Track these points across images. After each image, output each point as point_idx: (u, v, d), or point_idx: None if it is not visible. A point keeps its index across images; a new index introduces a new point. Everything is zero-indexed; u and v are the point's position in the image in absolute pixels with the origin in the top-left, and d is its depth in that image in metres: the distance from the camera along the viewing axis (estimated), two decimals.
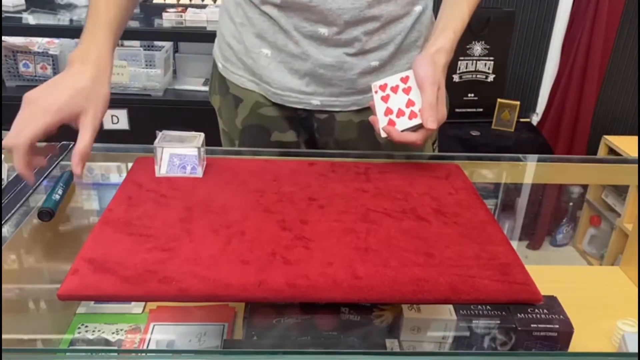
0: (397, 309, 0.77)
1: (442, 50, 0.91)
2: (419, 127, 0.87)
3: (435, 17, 0.99)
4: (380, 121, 0.89)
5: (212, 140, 1.00)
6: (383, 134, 0.88)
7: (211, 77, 1.14)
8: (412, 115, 0.87)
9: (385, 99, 0.90)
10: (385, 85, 0.90)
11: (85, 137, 0.78)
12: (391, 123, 0.88)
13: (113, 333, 0.88)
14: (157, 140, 0.87)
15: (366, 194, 0.85)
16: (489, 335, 0.79)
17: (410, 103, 0.88)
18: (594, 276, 1.22)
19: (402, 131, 0.87)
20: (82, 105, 0.79)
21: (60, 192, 0.82)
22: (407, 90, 0.89)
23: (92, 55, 0.83)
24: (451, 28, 0.93)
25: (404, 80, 0.90)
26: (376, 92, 0.91)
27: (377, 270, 0.67)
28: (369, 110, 1.01)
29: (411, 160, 0.98)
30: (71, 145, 0.97)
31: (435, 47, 0.91)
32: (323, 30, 0.94)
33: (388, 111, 0.89)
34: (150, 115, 2.02)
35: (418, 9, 0.99)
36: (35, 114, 0.76)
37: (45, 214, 0.78)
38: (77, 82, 0.80)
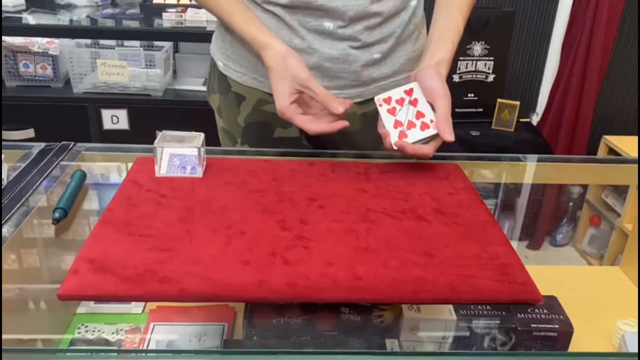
0: (397, 309, 0.77)
1: (443, 62, 0.92)
2: (432, 138, 0.88)
3: (426, 13, 1.00)
4: (391, 134, 0.89)
5: (212, 140, 1.00)
6: (395, 148, 0.88)
7: (209, 76, 1.14)
8: (424, 126, 0.88)
9: (391, 111, 0.90)
10: (390, 98, 0.91)
11: (319, 86, 0.90)
12: (402, 135, 0.89)
13: (113, 333, 0.88)
14: (157, 140, 0.87)
15: (366, 194, 0.85)
16: (489, 335, 0.79)
17: (419, 115, 0.89)
18: (594, 276, 1.22)
19: (414, 143, 0.88)
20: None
21: (71, 192, 0.84)
22: (414, 102, 0.90)
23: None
24: (449, 40, 0.95)
25: (409, 92, 0.90)
26: (381, 105, 0.91)
27: (377, 271, 0.67)
28: (371, 101, 1.01)
29: (411, 160, 0.98)
30: (71, 146, 0.98)
31: (436, 59, 0.92)
32: (328, 25, 0.95)
33: (397, 123, 0.90)
34: (150, 115, 2.02)
35: (413, 3, 1.01)
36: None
37: (60, 211, 0.80)
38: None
